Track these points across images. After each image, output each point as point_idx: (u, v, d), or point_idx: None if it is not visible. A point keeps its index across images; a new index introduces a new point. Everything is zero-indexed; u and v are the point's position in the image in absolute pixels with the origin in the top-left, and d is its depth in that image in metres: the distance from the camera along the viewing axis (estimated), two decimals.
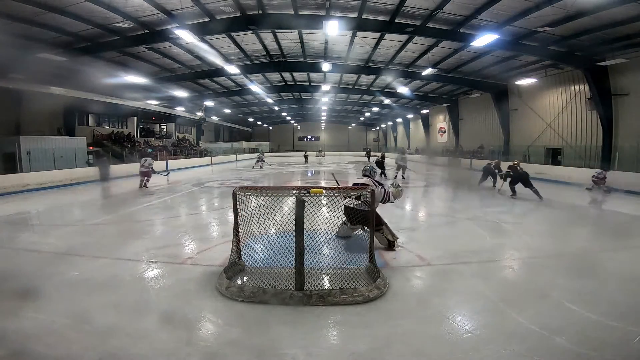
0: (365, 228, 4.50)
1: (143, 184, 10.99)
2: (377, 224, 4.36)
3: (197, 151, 28.00)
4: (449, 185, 13.26)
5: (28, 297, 3.09)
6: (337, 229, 4.52)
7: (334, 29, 10.18)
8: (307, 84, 22.14)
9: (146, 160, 11.18)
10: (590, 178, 9.61)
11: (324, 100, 27.30)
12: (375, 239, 4.06)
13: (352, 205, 4.39)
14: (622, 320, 2.64)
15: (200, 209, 8.15)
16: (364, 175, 4.90)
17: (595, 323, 2.63)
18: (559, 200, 9.12)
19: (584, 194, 9.57)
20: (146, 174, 11.03)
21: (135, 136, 24.46)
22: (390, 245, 4.44)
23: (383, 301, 3.03)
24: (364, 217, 4.21)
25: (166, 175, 13.98)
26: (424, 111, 27.83)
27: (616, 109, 12.13)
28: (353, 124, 44.90)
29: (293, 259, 3.13)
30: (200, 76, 17.60)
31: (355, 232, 4.84)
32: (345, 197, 4.37)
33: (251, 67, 16.50)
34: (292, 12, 10.61)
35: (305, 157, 29.37)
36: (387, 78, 18.49)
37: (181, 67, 16.02)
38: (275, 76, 20.16)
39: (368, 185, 4.42)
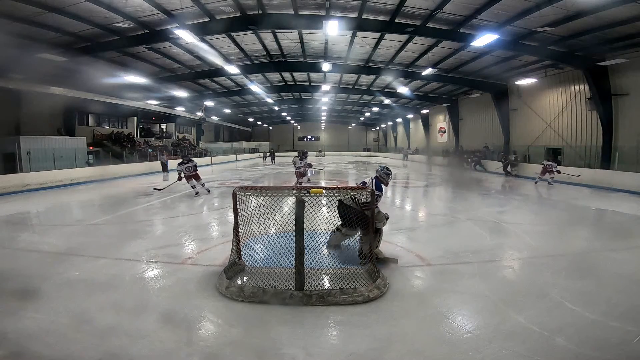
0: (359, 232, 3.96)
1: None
2: (368, 227, 3.72)
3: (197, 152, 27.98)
4: (449, 185, 13.26)
5: (28, 297, 3.09)
6: (328, 239, 4.25)
7: (334, 29, 10.17)
8: (307, 84, 22.12)
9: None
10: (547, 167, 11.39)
11: (324, 100, 27.27)
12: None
13: (349, 203, 3.85)
14: (622, 321, 2.64)
15: (200, 209, 8.15)
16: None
17: (595, 323, 2.63)
18: (558, 200, 9.13)
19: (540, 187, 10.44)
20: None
21: (135, 136, 24.45)
22: (360, 256, 3.75)
23: (383, 301, 3.03)
24: (360, 219, 3.73)
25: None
26: (424, 111, 27.80)
27: (616, 109, 12.11)
28: (353, 124, 44.86)
29: (293, 259, 3.13)
30: (200, 76, 17.57)
31: (344, 242, 4.28)
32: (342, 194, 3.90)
33: (251, 67, 16.48)
34: (292, 12, 10.60)
35: (267, 156, 25.59)
36: (387, 78, 18.46)
37: (181, 67, 16.00)
38: (275, 76, 20.15)
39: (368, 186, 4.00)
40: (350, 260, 3.80)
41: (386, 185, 4.24)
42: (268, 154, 28.62)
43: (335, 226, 4.12)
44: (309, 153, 32.58)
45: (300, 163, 11.26)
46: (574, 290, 3.20)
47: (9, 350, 2.30)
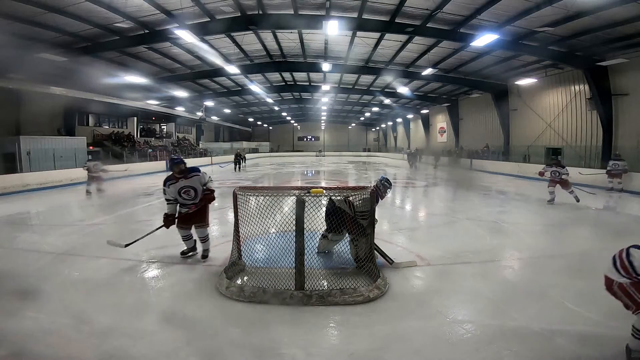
0: (347, 236, 3.84)
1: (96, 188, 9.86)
2: (359, 232, 3.59)
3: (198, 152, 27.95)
4: (450, 185, 13.27)
5: (28, 297, 3.09)
6: (317, 245, 4.13)
7: (334, 29, 10.17)
8: (307, 84, 22.13)
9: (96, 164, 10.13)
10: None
11: (324, 100, 27.29)
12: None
13: (341, 206, 3.68)
14: (622, 320, 2.63)
15: None
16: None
17: (595, 323, 2.63)
18: (558, 200, 9.11)
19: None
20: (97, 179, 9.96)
21: (135, 136, 24.45)
22: (357, 260, 3.59)
23: (383, 301, 3.03)
24: (349, 224, 3.56)
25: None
26: (424, 111, 27.82)
27: (616, 108, 12.12)
28: (353, 124, 44.89)
29: (293, 259, 3.13)
30: (200, 76, 17.59)
31: (336, 248, 4.13)
32: (335, 194, 3.76)
33: (251, 67, 16.49)
34: (292, 12, 10.61)
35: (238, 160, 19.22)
36: (387, 78, 18.48)
37: (181, 67, 16.01)
38: (275, 76, 20.15)
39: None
40: (350, 261, 3.80)
41: (382, 198, 4.09)
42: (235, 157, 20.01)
43: (322, 233, 4.02)
44: (308, 153, 32.42)
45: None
46: (574, 290, 3.19)
47: (9, 350, 2.30)
